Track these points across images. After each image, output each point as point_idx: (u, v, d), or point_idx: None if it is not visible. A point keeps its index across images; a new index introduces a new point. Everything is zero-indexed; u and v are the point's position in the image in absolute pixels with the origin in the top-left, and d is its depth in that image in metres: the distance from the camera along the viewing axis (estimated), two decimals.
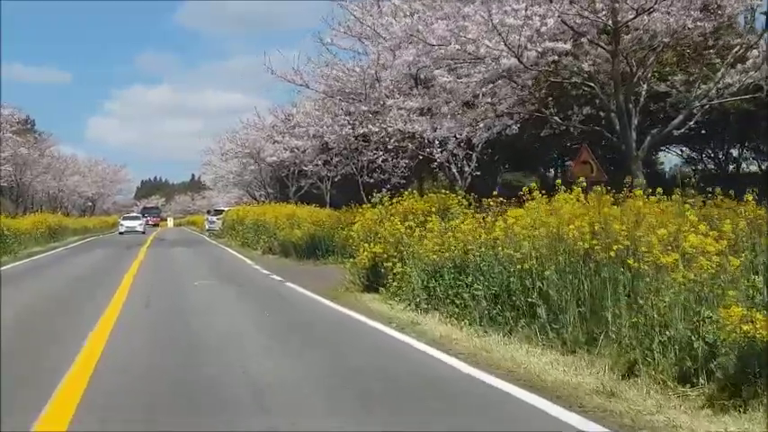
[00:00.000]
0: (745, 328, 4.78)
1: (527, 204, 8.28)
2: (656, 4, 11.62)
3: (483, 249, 8.91)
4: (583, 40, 12.83)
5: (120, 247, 30.80)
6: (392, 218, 12.22)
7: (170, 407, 5.35)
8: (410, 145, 18.95)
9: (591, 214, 7.17)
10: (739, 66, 14.01)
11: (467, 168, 18.37)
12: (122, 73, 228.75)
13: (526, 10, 11.85)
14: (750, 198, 6.57)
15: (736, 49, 13.91)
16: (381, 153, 22.08)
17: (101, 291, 13.10)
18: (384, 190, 14.30)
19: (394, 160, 23.25)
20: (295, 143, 28.66)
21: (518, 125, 16.46)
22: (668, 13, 12.00)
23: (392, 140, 19.10)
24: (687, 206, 6.55)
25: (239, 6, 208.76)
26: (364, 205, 14.63)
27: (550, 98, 15.54)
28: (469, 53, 12.93)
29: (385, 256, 11.56)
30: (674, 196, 6.80)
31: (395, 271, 10.91)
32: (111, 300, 11.63)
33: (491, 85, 14.84)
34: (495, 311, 8.21)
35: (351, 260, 13.53)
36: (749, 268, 5.60)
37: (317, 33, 20.41)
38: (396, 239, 11.56)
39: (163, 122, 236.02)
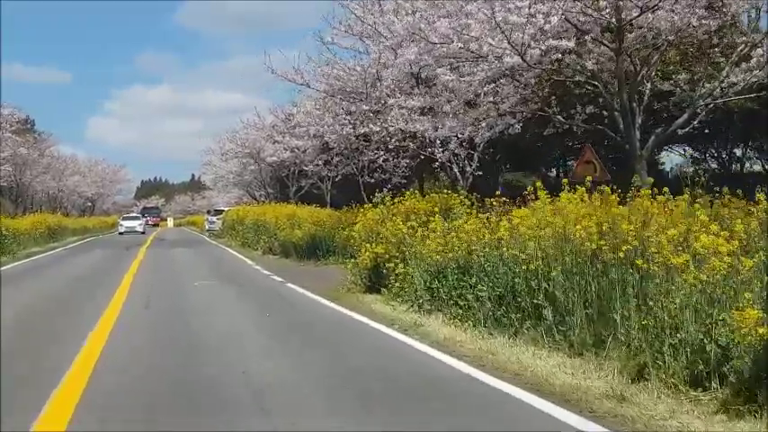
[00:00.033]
0: (761, 331, 4.65)
1: (532, 204, 8.14)
2: (660, 1, 11.50)
3: (487, 250, 8.78)
4: (586, 38, 12.71)
5: (120, 247, 30.70)
6: (394, 218, 12.09)
7: (170, 407, 5.34)
8: (411, 144, 18.81)
9: (598, 214, 7.04)
10: (744, 64, 13.89)
11: (468, 168, 18.22)
12: (122, 73, 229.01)
13: (530, 8, 11.72)
14: (762, 198, 6.44)
15: (740, 48, 13.78)
16: (382, 153, 21.94)
17: (100, 291, 13.08)
18: (385, 190, 14.18)
19: (395, 160, 23.10)
20: (295, 143, 28.54)
21: (520, 124, 16.29)
22: (673, 11, 11.88)
23: (393, 140, 18.97)
24: (697, 206, 6.42)
25: (239, 6, 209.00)
26: (366, 205, 14.51)
27: (553, 97, 15.40)
28: (472, 51, 12.80)
29: (387, 256, 11.43)
30: (684, 196, 6.65)
31: (397, 272, 10.78)
32: (110, 300, 11.60)
33: (493, 84, 14.73)
34: (499, 313, 8.08)
35: (352, 260, 13.42)
36: (763, 269, 5.46)
37: (317, 33, 20.27)
38: (398, 240, 11.44)
39: (163, 122, 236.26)
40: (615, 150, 20.00)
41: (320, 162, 28.82)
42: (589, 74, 13.68)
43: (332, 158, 27.18)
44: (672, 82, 15.94)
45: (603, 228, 6.84)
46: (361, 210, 14.38)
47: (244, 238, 30.43)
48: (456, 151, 17.45)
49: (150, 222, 67.90)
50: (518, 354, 6.84)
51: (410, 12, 14.88)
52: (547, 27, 12.03)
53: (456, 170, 18.00)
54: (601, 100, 14.76)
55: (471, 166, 18.17)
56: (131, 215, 61.51)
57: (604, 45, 12.91)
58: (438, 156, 17.58)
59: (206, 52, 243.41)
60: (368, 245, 12.44)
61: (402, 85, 18.15)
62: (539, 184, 8.27)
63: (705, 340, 5.28)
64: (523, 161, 28.84)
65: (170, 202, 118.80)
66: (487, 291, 8.34)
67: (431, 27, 13.32)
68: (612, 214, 6.93)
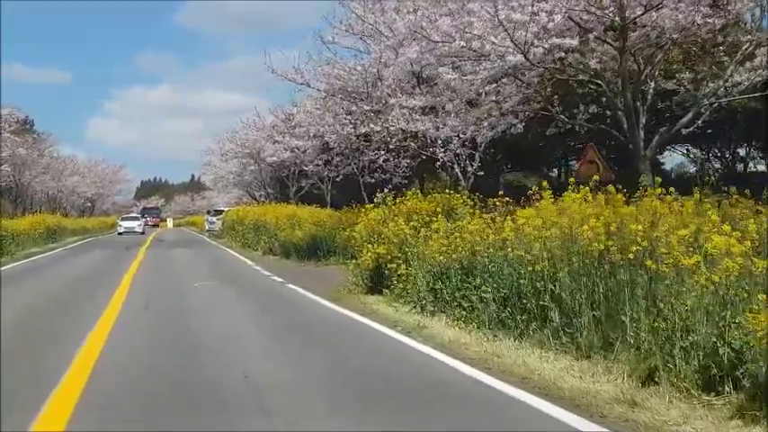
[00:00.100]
0: None
1: (538, 204, 8.02)
2: None
3: (491, 250, 8.65)
4: (589, 36, 12.60)
5: (120, 247, 30.58)
6: (396, 218, 11.98)
7: (169, 407, 5.31)
8: (412, 144, 18.72)
9: (606, 214, 6.91)
10: (748, 63, 13.80)
11: (470, 168, 18.11)
12: (122, 73, 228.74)
13: (533, 6, 11.63)
14: None
15: (745, 47, 13.69)
16: (383, 153, 21.84)
17: (100, 291, 13.01)
18: (386, 190, 14.06)
19: (395, 160, 23.01)
20: (295, 143, 28.46)
21: (523, 124, 16.22)
22: (677, 9, 11.77)
23: (394, 140, 18.89)
24: (707, 205, 6.30)
25: (239, 6, 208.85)
26: (367, 205, 14.40)
27: (556, 96, 15.32)
28: (474, 50, 12.70)
29: (389, 257, 11.31)
30: (695, 195, 6.53)
31: (399, 272, 10.66)
32: (110, 300, 11.54)
33: (495, 84, 14.63)
34: (504, 314, 7.96)
35: (353, 261, 13.31)
36: None
37: (317, 32, 20.19)
38: (400, 240, 11.32)
39: (163, 122, 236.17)
40: (618, 150, 19.87)
41: (320, 162, 28.74)
42: (592, 73, 13.58)
43: (332, 158, 27.09)
44: (675, 81, 15.84)
45: (612, 228, 6.71)
46: (363, 210, 14.26)
47: (244, 239, 30.32)
48: (458, 151, 17.34)
49: (150, 223, 67.75)
50: (524, 356, 6.72)
51: (411, 10, 14.77)
52: (550, 25, 11.93)
53: (458, 170, 17.89)
54: (604, 99, 14.66)
55: (473, 166, 18.06)
56: (131, 215, 61.39)
57: (608, 44, 12.81)
58: (440, 156, 17.47)
59: (206, 52, 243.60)
60: (369, 245, 12.32)
61: (403, 84, 18.06)
62: (544, 183, 8.14)
63: (718, 343, 5.15)
64: (525, 161, 28.75)
65: (170, 203, 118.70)
66: (492, 292, 8.22)
67: (433, 25, 13.23)
68: (620, 214, 6.81)
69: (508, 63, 12.60)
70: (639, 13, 11.84)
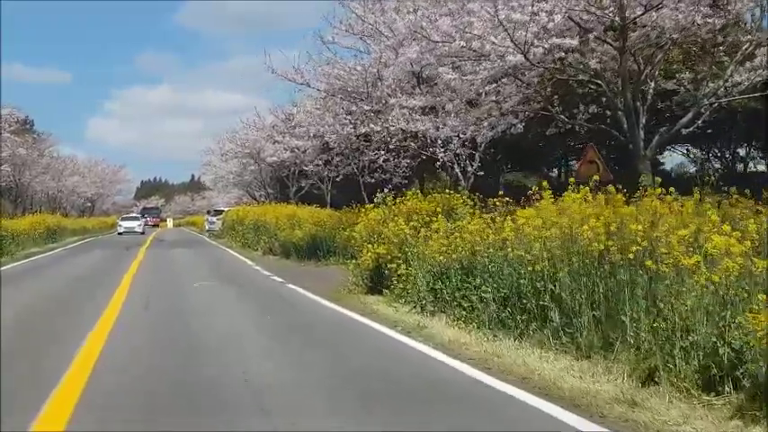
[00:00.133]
0: None
1: (538, 204, 8.02)
2: None
3: (491, 250, 8.65)
4: (589, 36, 12.59)
5: (120, 247, 30.56)
6: (396, 218, 11.97)
7: (169, 407, 5.30)
8: (412, 144, 18.72)
9: (606, 214, 6.91)
10: (748, 63, 13.80)
11: (470, 168, 18.11)
12: (122, 73, 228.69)
13: (533, 6, 11.62)
14: None
15: (745, 47, 13.69)
16: (383, 153, 21.83)
17: (100, 291, 13.00)
18: (386, 190, 14.05)
19: (395, 160, 23.01)
20: (295, 143, 28.45)
21: (523, 124, 16.21)
22: (677, 9, 11.77)
23: (394, 140, 18.88)
24: (707, 205, 6.30)
25: (239, 6, 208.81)
26: (367, 205, 14.39)
27: (556, 96, 15.32)
28: (474, 50, 12.69)
29: (389, 257, 11.31)
30: (695, 195, 6.52)
31: (399, 272, 10.65)
32: (110, 300, 11.53)
33: (495, 84, 14.63)
34: (504, 314, 7.95)
35: (353, 261, 13.30)
36: None
37: (317, 32, 20.19)
38: (400, 240, 11.31)
39: (163, 122, 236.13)
40: (618, 150, 19.88)
41: (320, 162, 28.73)
42: (592, 73, 13.58)
43: (332, 158, 27.08)
44: (675, 81, 15.84)
45: (612, 228, 6.71)
46: (363, 210, 14.25)
47: (244, 239, 30.30)
48: (458, 151, 17.34)
49: (150, 223, 67.70)
50: (524, 356, 6.71)
51: (412, 10, 14.76)
52: (550, 25, 11.93)
53: (457, 170, 17.89)
54: (604, 99, 14.66)
55: (473, 166, 18.06)
56: (131, 215, 61.34)
57: (608, 44, 12.81)
58: (440, 156, 17.47)
59: (206, 52, 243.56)
60: (369, 245, 12.31)
61: (403, 84, 18.06)
62: (544, 183, 8.14)
63: (718, 343, 5.15)
64: (524, 161, 28.74)
65: (170, 203, 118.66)
66: (492, 292, 8.21)
67: (433, 25, 13.23)
68: (620, 214, 6.81)
69: (508, 63, 12.60)
70: (639, 12, 11.84)
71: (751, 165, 25.45)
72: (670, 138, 15.48)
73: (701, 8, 11.75)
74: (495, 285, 8.24)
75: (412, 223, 11.30)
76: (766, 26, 14.39)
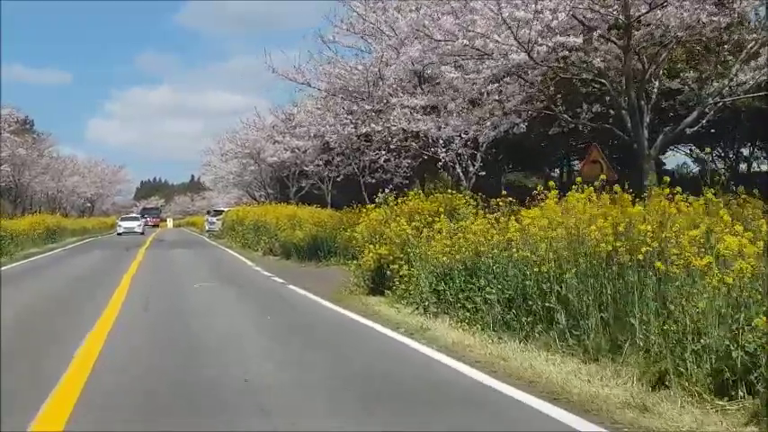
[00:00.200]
0: None
1: (542, 204, 7.89)
2: None
3: (496, 251, 8.52)
4: (593, 35, 12.46)
5: (119, 248, 30.47)
6: (398, 218, 11.85)
7: (169, 407, 5.27)
8: (414, 144, 18.60)
9: (614, 214, 6.78)
10: (752, 62, 13.68)
11: (472, 168, 17.99)
12: (122, 73, 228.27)
13: (536, 3, 11.50)
14: None
15: (750, 46, 13.57)
16: (384, 153, 21.69)
17: (100, 291, 12.94)
18: (387, 190, 13.94)
19: (396, 160, 22.87)
20: (296, 143, 28.35)
21: (525, 123, 16.08)
22: (681, 8, 11.65)
23: (395, 140, 18.77)
24: (720, 205, 6.16)
25: (239, 6, 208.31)
26: (368, 205, 14.27)
27: (559, 95, 15.19)
28: (477, 49, 12.57)
29: (391, 257, 11.19)
30: (708, 194, 6.39)
31: (401, 273, 10.53)
32: (109, 300, 11.47)
33: (498, 83, 14.51)
34: (509, 316, 7.82)
35: (354, 262, 13.18)
36: None
37: (318, 31, 20.09)
38: (402, 240, 11.19)
39: (163, 123, 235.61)
40: (621, 150, 19.73)
41: (321, 162, 28.61)
42: (596, 71, 13.45)
43: (333, 158, 26.96)
44: (680, 80, 15.71)
45: (620, 228, 6.58)
46: (364, 210, 14.14)
47: (244, 239, 30.20)
48: (460, 151, 17.22)
49: (150, 223, 67.59)
50: (530, 359, 6.58)
51: (413, 8, 14.65)
52: (554, 23, 11.82)
53: (459, 170, 17.77)
54: (607, 98, 14.53)
55: (475, 166, 17.94)
56: (130, 216, 61.23)
57: (612, 42, 12.69)
58: (441, 156, 17.35)
59: (206, 52, 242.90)
60: (371, 246, 12.20)
61: (405, 83, 17.95)
62: (551, 183, 8.01)
63: (731, 346, 5.01)
64: (527, 161, 28.59)
65: (170, 203, 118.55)
66: (496, 293, 8.09)
67: (435, 24, 13.10)
68: (628, 214, 6.67)
69: (511, 62, 12.48)
70: (644, 11, 11.73)
71: (755, 165, 25.31)
72: (674, 137, 15.34)
73: (707, 6, 11.65)
74: (499, 287, 8.11)
75: (414, 223, 11.18)
76: None
